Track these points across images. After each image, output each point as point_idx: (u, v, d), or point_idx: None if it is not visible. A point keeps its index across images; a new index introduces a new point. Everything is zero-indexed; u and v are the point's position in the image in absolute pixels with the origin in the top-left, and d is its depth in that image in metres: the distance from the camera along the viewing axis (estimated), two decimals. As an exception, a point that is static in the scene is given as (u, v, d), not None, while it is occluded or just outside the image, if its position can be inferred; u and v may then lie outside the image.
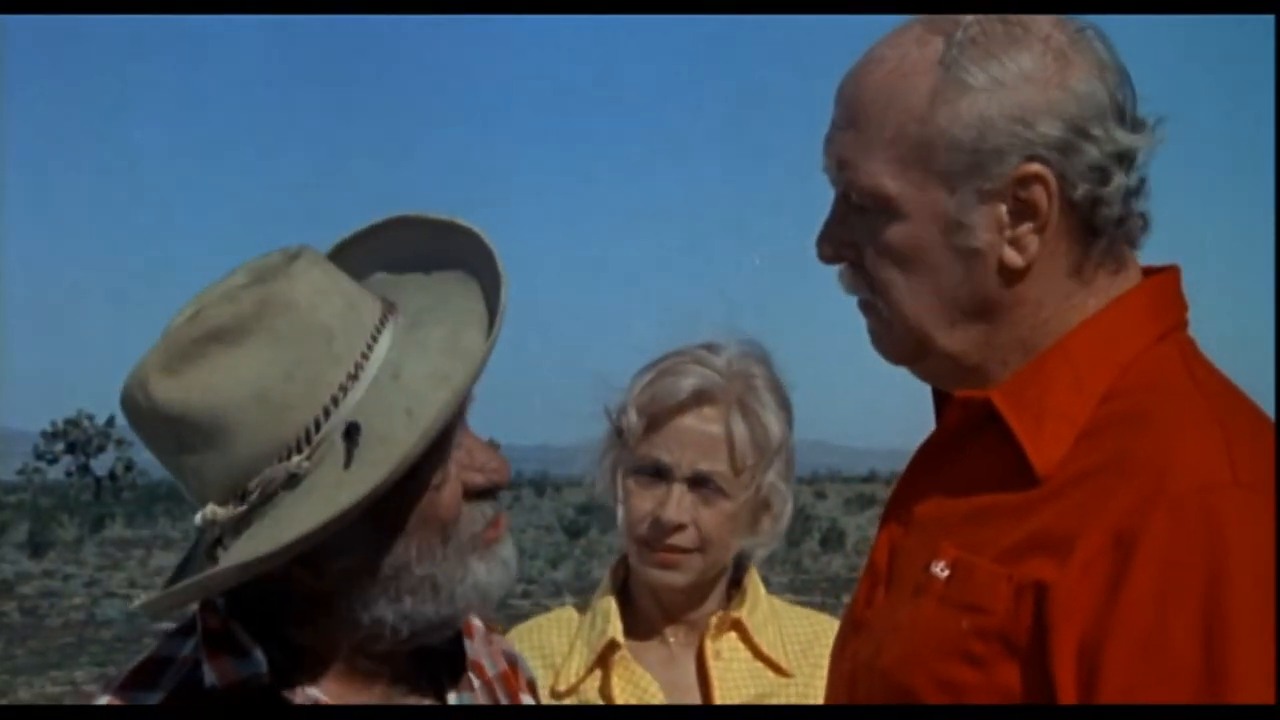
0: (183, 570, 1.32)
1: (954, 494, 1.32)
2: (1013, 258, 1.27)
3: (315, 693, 1.28)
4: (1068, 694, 1.14)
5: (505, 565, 1.32)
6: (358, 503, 1.18)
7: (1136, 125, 1.27)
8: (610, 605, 2.05)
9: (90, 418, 67.78)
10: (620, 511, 2.02)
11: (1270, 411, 1.28)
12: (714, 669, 2.00)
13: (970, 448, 1.33)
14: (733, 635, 2.03)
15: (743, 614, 2.03)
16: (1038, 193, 1.24)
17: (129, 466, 66.00)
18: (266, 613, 1.29)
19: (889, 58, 1.29)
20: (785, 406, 2.02)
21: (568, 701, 2.00)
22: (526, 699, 1.54)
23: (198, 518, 1.25)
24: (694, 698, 2.00)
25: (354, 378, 1.23)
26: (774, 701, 1.99)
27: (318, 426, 1.21)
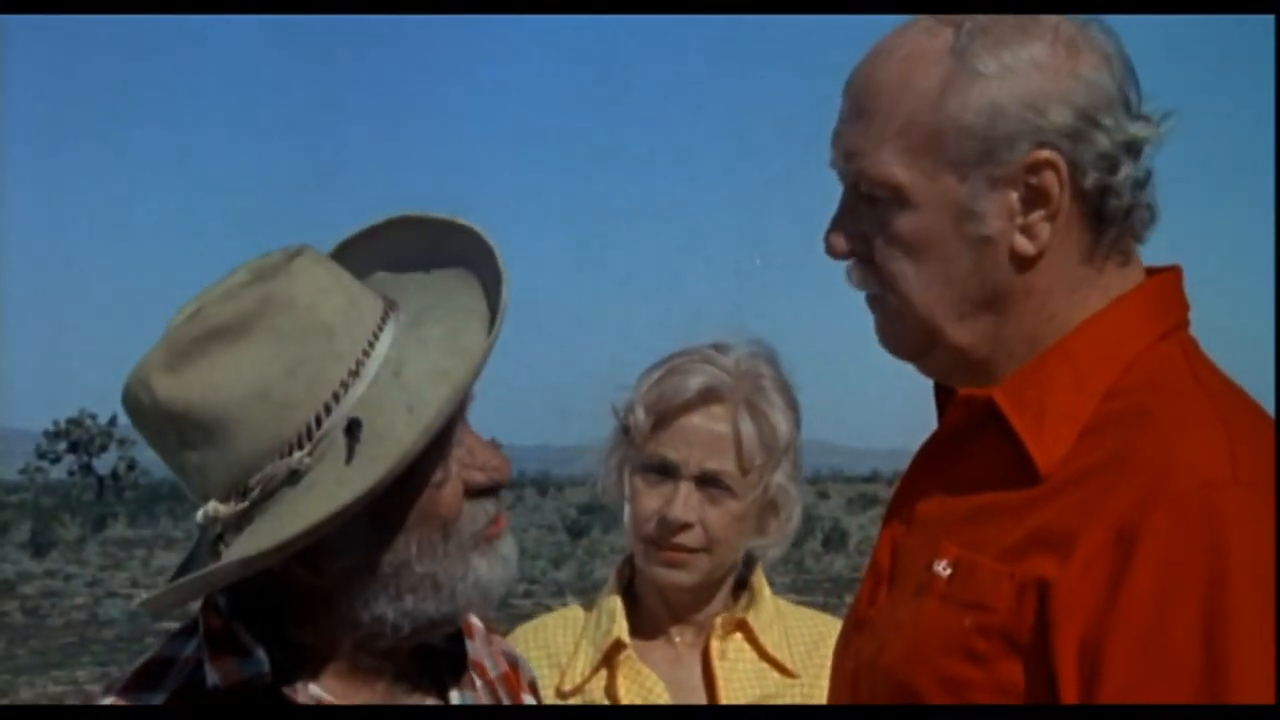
0: (185, 569, 1.32)
1: (956, 493, 1.32)
2: (1024, 246, 1.27)
3: (318, 691, 1.28)
4: (1069, 691, 1.14)
5: (506, 562, 1.33)
6: (359, 498, 1.19)
7: (1142, 118, 1.28)
8: (616, 604, 2.05)
9: (93, 417, 67.81)
10: (627, 510, 2.01)
11: (1270, 411, 1.28)
12: (719, 669, 2.00)
13: (972, 447, 1.33)
14: (738, 636, 2.03)
15: (748, 614, 2.03)
16: (1049, 179, 1.25)
17: (131, 466, 66.02)
18: (268, 612, 1.29)
19: (899, 48, 1.29)
20: (793, 407, 2.02)
21: (573, 701, 2.00)
22: (528, 700, 1.54)
23: (199, 515, 1.25)
24: (699, 698, 2.00)
25: (355, 375, 1.23)
26: (779, 702, 1.99)
27: (319, 423, 1.22)
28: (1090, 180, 1.25)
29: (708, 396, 1.96)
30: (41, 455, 68.86)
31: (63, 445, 68.45)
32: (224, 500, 1.24)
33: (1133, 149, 1.27)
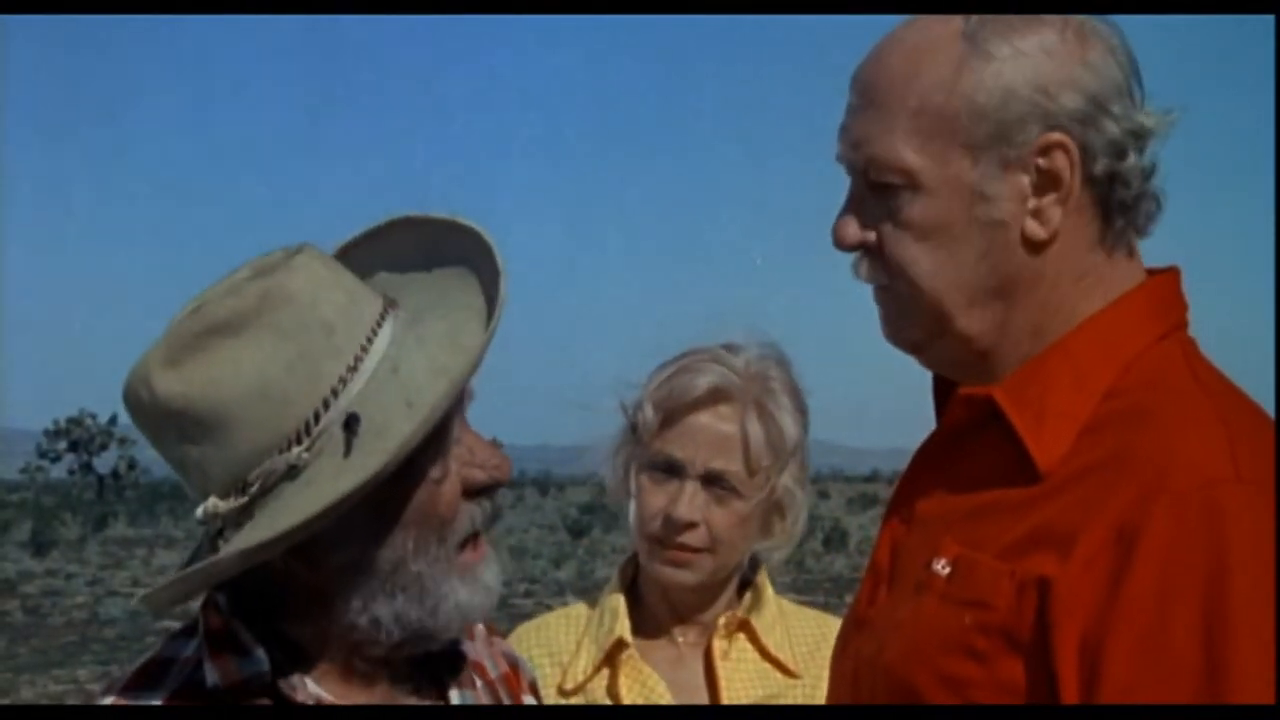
0: (187, 568, 1.32)
1: (955, 491, 1.32)
2: (1035, 230, 1.27)
3: (318, 691, 1.28)
4: (1069, 689, 1.14)
5: (487, 590, 1.32)
6: (355, 490, 1.19)
7: (1147, 110, 1.29)
8: (619, 603, 2.04)
9: (93, 416, 67.86)
10: (632, 508, 2.01)
11: (1270, 411, 1.28)
12: (721, 669, 2.00)
13: (971, 445, 1.33)
14: (741, 636, 2.03)
15: (751, 615, 2.03)
16: (1060, 161, 1.25)
17: (131, 465, 66.08)
18: (267, 611, 1.30)
19: (908, 38, 1.30)
20: (802, 410, 2.01)
21: (574, 700, 1.99)
22: (529, 701, 1.54)
23: (199, 511, 1.26)
24: (701, 698, 2.00)
25: (353, 370, 1.23)
26: (781, 702, 1.99)
27: (317, 419, 1.22)
28: (1100, 166, 1.26)
29: (716, 396, 1.95)
30: (42, 454, 68.92)
31: (63, 444, 68.51)
32: (224, 496, 1.24)
33: (1139, 139, 1.27)
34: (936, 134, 1.26)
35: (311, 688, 1.28)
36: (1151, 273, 1.34)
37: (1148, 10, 1.71)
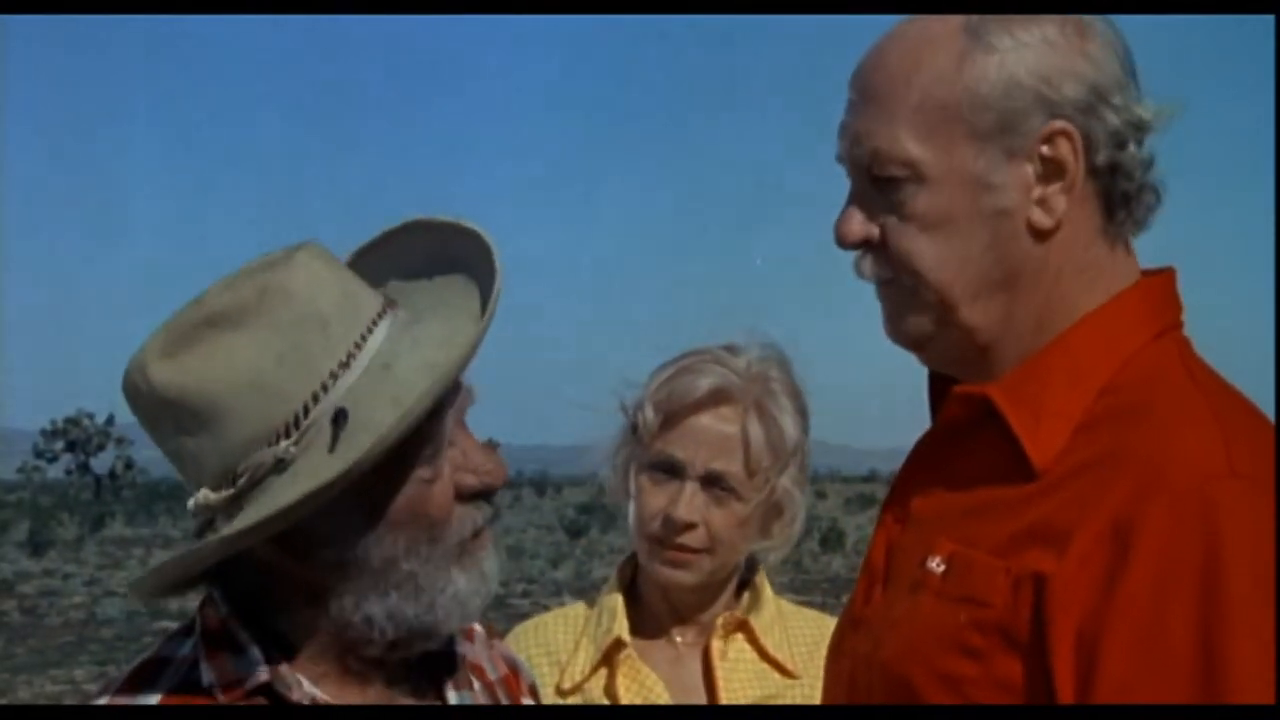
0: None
1: (951, 489, 1.33)
2: (1040, 219, 1.27)
3: (313, 690, 1.28)
4: (1066, 685, 1.14)
5: (485, 578, 1.32)
6: (334, 480, 1.19)
7: (1145, 103, 1.29)
8: (617, 603, 2.05)
9: (90, 416, 67.87)
10: (631, 508, 2.01)
11: (1269, 411, 1.28)
12: (720, 669, 2.00)
13: (967, 444, 1.33)
14: (739, 636, 2.03)
15: (750, 615, 2.04)
16: (1064, 149, 1.25)
17: (129, 465, 66.10)
18: (262, 610, 1.30)
19: (908, 34, 1.30)
20: (802, 412, 2.01)
21: (572, 699, 2.00)
22: (528, 703, 1.54)
23: (190, 502, 1.26)
24: (699, 698, 2.00)
25: (345, 366, 1.24)
26: (780, 703, 1.99)
27: (306, 412, 1.22)
28: (1102, 156, 1.26)
29: (717, 397, 1.96)
30: (39, 454, 68.93)
31: (60, 444, 68.51)
32: (215, 488, 1.25)
33: (1139, 130, 1.28)
34: (940, 125, 1.26)
35: (307, 687, 1.28)
36: (1148, 273, 1.34)
37: (1148, 10, 1.71)
